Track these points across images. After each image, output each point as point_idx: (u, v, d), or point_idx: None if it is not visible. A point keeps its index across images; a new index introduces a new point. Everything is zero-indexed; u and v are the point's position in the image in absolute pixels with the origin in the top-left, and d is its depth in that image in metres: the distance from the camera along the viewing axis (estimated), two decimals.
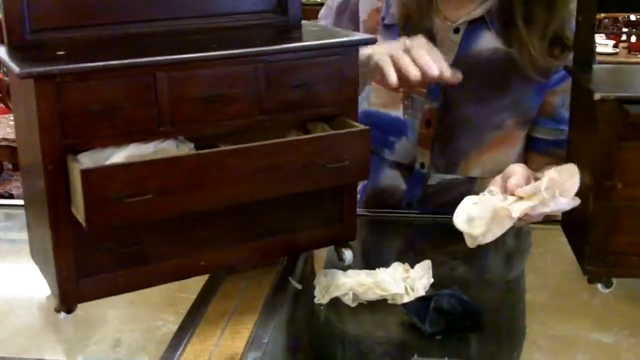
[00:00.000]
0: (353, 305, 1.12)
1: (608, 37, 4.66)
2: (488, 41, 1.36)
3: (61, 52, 1.02)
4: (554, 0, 1.31)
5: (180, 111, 1.03)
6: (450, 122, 1.40)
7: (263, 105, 1.09)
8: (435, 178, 1.41)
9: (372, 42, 1.23)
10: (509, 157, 1.44)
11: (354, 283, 1.13)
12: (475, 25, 1.36)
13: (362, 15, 1.45)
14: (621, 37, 4.70)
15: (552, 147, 1.44)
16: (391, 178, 1.47)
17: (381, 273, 1.15)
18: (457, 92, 1.38)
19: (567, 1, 1.32)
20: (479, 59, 1.36)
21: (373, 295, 1.13)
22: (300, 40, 1.19)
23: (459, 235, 1.30)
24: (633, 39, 4.69)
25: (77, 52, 1.03)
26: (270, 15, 1.22)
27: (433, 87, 1.38)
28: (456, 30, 1.37)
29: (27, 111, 1.01)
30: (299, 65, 1.10)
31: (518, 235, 1.42)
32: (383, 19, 1.42)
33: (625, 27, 4.77)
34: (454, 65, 1.36)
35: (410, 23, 1.37)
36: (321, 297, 1.13)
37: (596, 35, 4.63)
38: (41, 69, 0.95)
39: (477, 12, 1.35)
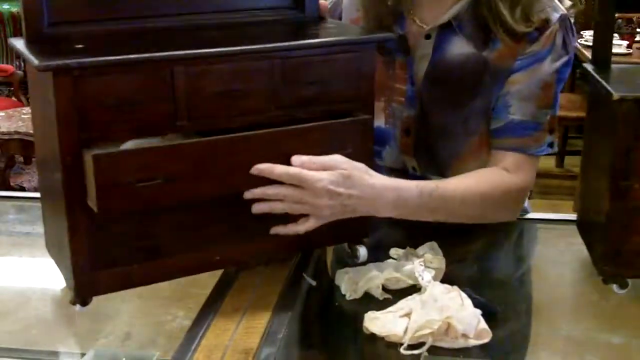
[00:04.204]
0: (381, 298, 1.12)
1: (622, 38, 4.63)
2: (460, 46, 1.34)
3: (79, 46, 1.02)
4: None
5: (197, 106, 1.04)
6: (428, 130, 1.39)
7: (279, 100, 1.09)
8: (432, 179, 1.41)
9: (389, 39, 1.24)
10: None
11: (385, 275, 1.14)
12: (446, 31, 1.35)
13: None
14: (635, 37, 4.67)
15: (494, 136, 1.37)
16: None
17: (408, 264, 1.16)
18: (433, 99, 1.37)
19: None
20: (452, 64, 1.35)
21: (403, 284, 1.14)
22: (317, 36, 1.19)
23: (466, 235, 1.32)
24: None
25: (95, 46, 1.03)
26: (287, 12, 1.22)
27: (410, 93, 1.38)
28: (427, 37, 1.36)
29: (44, 104, 1.01)
30: (315, 62, 1.11)
31: (526, 235, 1.42)
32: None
33: None
34: (429, 71, 1.36)
35: (383, 28, 1.36)
36: (353, 292, 1.13)
37: None
38: (59, 62, 0.95)
39: (445, 17, 1.34)
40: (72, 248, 1.01)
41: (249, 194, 1.07)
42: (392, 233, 1.31)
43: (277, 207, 1.09)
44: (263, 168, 1.05)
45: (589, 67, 1.17)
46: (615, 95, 1.03)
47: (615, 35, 4.63)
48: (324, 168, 1.09)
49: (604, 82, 1.09)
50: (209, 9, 1.17)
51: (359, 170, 1.12)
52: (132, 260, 1.06)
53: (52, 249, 1.15)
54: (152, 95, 1.01)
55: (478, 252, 1.35)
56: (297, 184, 1.07)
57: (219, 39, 1.12)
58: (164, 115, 1.02)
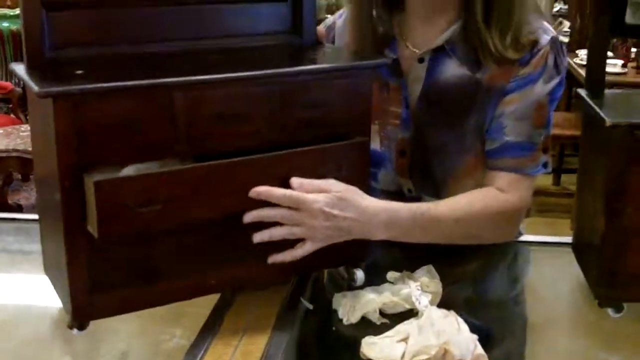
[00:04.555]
0: (379, 322, 1.13)
1: (616, 56, 4.67)
2: (453, 69, 1.37)
3: (79, 71, 1.03)
4: (511, 9, 1.31)
5: (196, 130, 1.05)
6: (424, 151, 1.41)
7: (277, 124, 1.10)
8: (427, 199, 1.42)
9: (386, 63, 1.25)
10: None
11: (383, 299, 1.14)
12: (439, 54, 1.37)
13: None
14: (630, 56, 4.70)
15: (489, 157, 1.38)
16: None
17: (405, 288, 1.17)
18: (428, 121, 1.39)
19: (525, 7, 1.33)
20: (446, 87, 1.37)
21: (400, 308, 1.15)
22: (314, 62, 1.21)
23: (462, 257, 1.33)
24: None
25: (95, 71, 1.04)
26: (285, 37, 1.24)
27: (404, 116, 1.40)
28: (421, 60, 1.39)
29: (44, 127, 1.02)
30: (313, 86, 1.12)
31: (521, 257, 1.44)
32: None
33: (635, 47, 4.77)
34: (423, 94, 1.38)
35: (375, 53, 1.38)
36: (350, 316, 1.14)
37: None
38: (60, 89, 0.96)
39: (438, 41, 1.37)
40: (70, 271, 1.02)
41: (248, 217, 1.08)
42: (388, 256, 1.32)
43: (277, 234, 1.11)
44: (261, 191, 1.07)
45: (582, 92, 1.19)
46: (608, 122, 1.04)
47: (610, 53, 4.67)
48: (320, 191, 1.11)
49: (597, 108, 1.10)
50: (208, 34, 1.18)
51: (353, 193, 1.14)
52: (130, 284, 1.06)
53: (50, 270, 1.16)
54: (152, 120, 1.02)
55: (474, 274, 1.36)
56: (295, 205, 1.09)
57: (219, 63, 1.13)
58: (164, 140, 1.03)
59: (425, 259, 1.25)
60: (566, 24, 5.62)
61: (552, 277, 1.36)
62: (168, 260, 1.08)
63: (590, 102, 1.15)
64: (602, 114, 1.07)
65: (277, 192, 1.08)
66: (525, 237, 1.47)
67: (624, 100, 1.25)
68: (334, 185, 1.12)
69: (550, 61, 1.34)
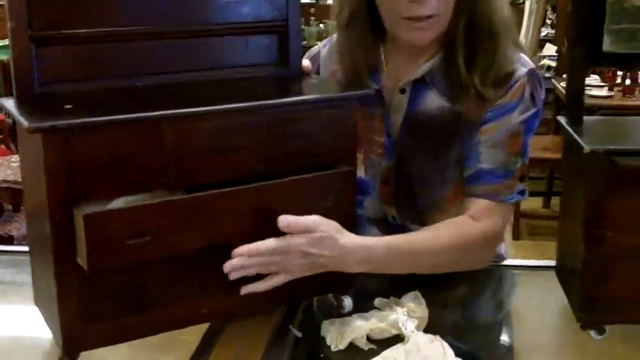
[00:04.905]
0: (366, 348, 1.14)
1: (603, 80, 4.71)
2: (432, 100, 1.39)
3: (69, 106, 1.05)
4: (494, 47, 1.34)
5: (185, 162, 1.06)
6: (407, 180, 1.43)
7: (264, 155, 1.12)
8: (412, 227, 1.44)
9: (369, 95, 1.28)
10: None
11: (370, 325, 1.16)
12: (420, 85, 1.40)
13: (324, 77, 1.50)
14: (616, 80, 4.75)
15: (465, 184, 1.41)
16: (373, 234, 1.49)
17: (392, 314, 1.18)
18: (410, 150, 1.42)
19: (506, 43, 1.36)
20: (427, 117, 1.39)
21: (387, 334, 1.16)
22: (300, 93, 1.23)
23: (448, 282, 1.34)
24: (628, 82, 4.73)
25: (84, 105, 1.06)
26: (272, 68, 1.26)
27: (387, 145, 1.43)
28: (402, 91, 1.41)
29: (34, 161, 1.04)
30: (299, 117, 1.14)
31: (505, 282, 1.45)
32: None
33: (620, 70, 4.82)
34: (404, 124, 1.41)
35: (359, 82, 1.41)
36: (338, 343, 1.15)
37: (591, 77, 4.63)
38: (49, 124, 0.97)
39: (418, 72, 1.40)
40: (61, 303, 1.03)
41: (227, 267, 1.10)
42: (376, 283, 1.33)
43: (252, 271, 1.12)
44: (244, 251, 1.09)
45: (562, 119, 1.21)
46: (586, 149, 1.06)
47: (597, 77, 4.72)
48: (306, 231, 1.12)
49: (575, 135, 1.12)
50: (197, 67, 1.20)
51: (334, 232, 1.16)
52: (121, 315, 1.08)
53: (41, 302, 1.17)
54: (141, 153, 1.03)
55: (461, 299, 1.37)
56: (278, 254, 1.11)
57: (207, 96, 1.15)
58: (153, 172, 1.05)
59: (413, 284, 1.26)
60: (552, 48, 5.69)
61: (537, 301, 1.37)
62: (159, 291, 1.10)
63: (570, 129, 1.17)
64: (580, 141, 1.09)
65: (254, 249, 1.09)
66: (510, 261, 1.49)
67: (604, 126, 1.27)
68: (320, 225, 1.13)
69: (527, 93, 1.36)
